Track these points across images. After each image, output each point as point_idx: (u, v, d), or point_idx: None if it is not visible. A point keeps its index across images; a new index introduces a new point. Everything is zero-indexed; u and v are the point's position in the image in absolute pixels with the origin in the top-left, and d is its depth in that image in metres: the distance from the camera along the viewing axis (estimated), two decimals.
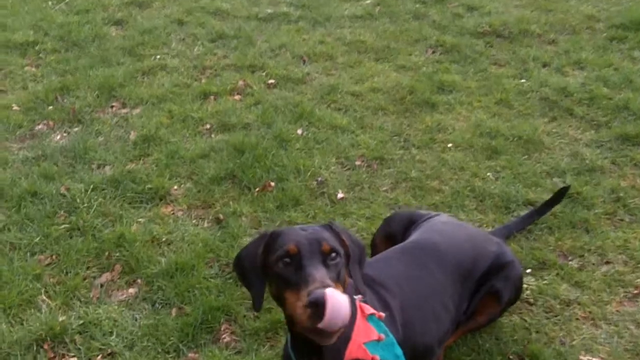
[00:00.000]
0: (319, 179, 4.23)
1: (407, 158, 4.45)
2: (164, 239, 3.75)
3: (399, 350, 2.28)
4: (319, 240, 2.13)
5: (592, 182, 4.10)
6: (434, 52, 6.06)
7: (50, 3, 7.58)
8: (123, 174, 4.30)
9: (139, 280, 3.46)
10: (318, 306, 1.90)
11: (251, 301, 2.32)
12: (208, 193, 4.13)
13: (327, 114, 4.99)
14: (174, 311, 3.26)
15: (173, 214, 3.98)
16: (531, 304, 3.23)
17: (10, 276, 3.45)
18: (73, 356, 3.02)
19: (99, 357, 3.01)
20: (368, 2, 7.26)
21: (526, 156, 4.42)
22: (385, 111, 5.07)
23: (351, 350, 2.18)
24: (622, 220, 3.80)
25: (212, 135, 4.81)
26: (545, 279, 3.37)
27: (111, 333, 3.13)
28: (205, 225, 3.89)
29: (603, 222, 3.77)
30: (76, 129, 4.97)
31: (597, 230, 3.70)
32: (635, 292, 3.28)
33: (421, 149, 4.57)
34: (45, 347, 3.05)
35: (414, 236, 2.96)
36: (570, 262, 3.49)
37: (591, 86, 5.20)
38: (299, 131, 4.77)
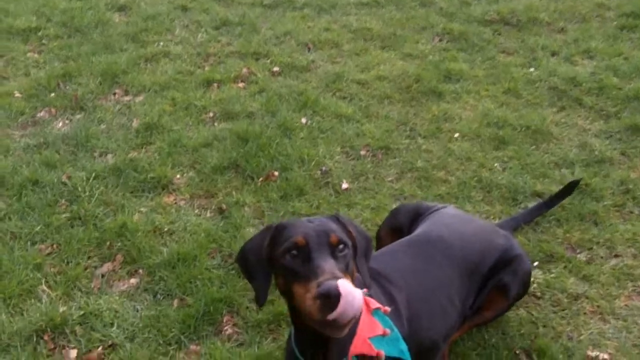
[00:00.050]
0: (323, 168, 4.19)
1: (413, 148, 4.41)
2: (166, 229, 3.71)
3: (403, 345, 2.25)
4: (326, 232, 2.09)
5: (601, 173, 4.06)
6: (440, 40, 6.00)
7: None
8: (125, 162, 4.27)
9: (140, 271, 3.43)
10: (329, 297, 1.85)
11: (254, 295, 2.27)
12: (211, 182, 4.10)
13: (332, 103, 4.95)
14: (175, 302, 3.23)
15: (175, 203, 3.95)
16: (538, 298, 3.20)
17: (10, 266, 3.42)
18: (73, 347, 2.99)
19: (100, 348, 2.98)
20: None
21: (534, 146, 4.38)
22: (391, 100, 5.02)
23: (356, 344, 2.15)
24: (631, 212, 3.75)
25: (215, 124, 4.77)
26: (552, 272, 3.33)
27: (112, 324, 3.10)
28: (208, 215, 3.85)
29: (612, 215, 3.73)
30: (78, 117, 4.93)
31: (605, 223, 3.66)
32: None
33: (427, 138, 4.52)
34: (46, 338, 3.03)
35: (421, 229, 2.91)
36: (578, 255, 3.45)
37: (601, 76, 5.15)
38: (304, 120, 4.73)
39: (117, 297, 3.25)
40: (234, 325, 3.09)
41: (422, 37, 6.07)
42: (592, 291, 3.21)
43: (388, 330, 2.21)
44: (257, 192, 3.98)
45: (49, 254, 3.55)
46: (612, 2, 6.52)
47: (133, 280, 3.38)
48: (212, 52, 5.90)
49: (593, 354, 2.88)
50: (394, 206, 3.73)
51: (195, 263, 3.43)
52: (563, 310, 3.12)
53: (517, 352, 2.90)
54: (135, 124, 4.77)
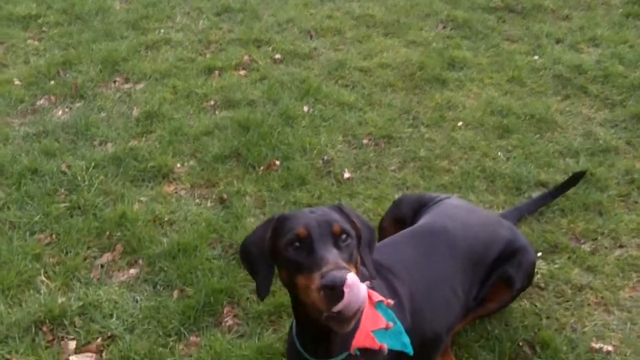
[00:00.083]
0: (325, 157, 4.15)
1: (416, 137, 4.37)
2: (166, 219, 3.69)
3: (406, 339, 2.22)
4: (329, 222, 2.05)
5: (606, 163, 4.03)
6: (444, 27, 5.95)
7: None
8: (125, 151, 4.24)
9: (140, 261, 3.41)
10: (334, 288, 1.82)
11: (256, 288, 2.24)
12: (212, 172, 4.07)
13: (335, 91, 4.91)
14: (175, 293, 3.21)
15: (176, 193, 3.92)
16: (542, 289, 3.17)
17: (9, 256, 3.40)
18: (72, 339, 2.96)
19: (99, 339, 2.96)
20: None
21: (538, 135, 4.34)
22: (394, 88, 4.98)
23: (358, 338, 2.12)
24: (636, 202, 3.72)
25: (217, 112, 4.74)
26: (556, 263, 3.30)
27: (111, 315, 3.08)
28: (209, 204, 3.82)
29: (617, 205, 3.70)
30: (78, 105, 4.90)
31: (610, 213, 3.62)
32: None
33: (430, 127, 4.48)
34: (44, 329, 3.01)
35: (424, 220, 2.88)
36: (582, 246, 3.42)
37: (606, 64, 5.10)
38: (305, 108, 4.69)
39: (117, 288, 3.23)
40: (235, 316, 3.07)
41: (426, 24, 6.01)
42: (596, 282, 3.18)
43: (391, 324, 2.18)
44: (259, 182, 3.95)
45: (48, 244, 3.52)
46: None
47: (133, 271, 3.35)
48: (214, 39, 5.86)
49: (597, 345, 2.85)
50: (396, 196, 3.71)
51: (195, 253, 3.40)
52: (567, 301, 3.09)
53: (521, 343, 2.87)
54: (135, 112, 4.74)
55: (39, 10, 6.46)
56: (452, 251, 2.71)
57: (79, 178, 3.99)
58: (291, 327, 2.36)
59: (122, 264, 3.40)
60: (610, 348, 2.84)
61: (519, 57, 5.32)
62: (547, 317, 3.00)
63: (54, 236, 3.57)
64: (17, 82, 5.21)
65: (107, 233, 3.57)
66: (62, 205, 3.79)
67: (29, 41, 5.95)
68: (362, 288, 1.88)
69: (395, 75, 5.13)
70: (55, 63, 5.44)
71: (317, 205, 3.62)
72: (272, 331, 2.97)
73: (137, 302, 3.16)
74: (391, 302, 2.22)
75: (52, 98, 4.98)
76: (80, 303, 3.12)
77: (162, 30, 6.04)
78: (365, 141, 4.34)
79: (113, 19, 6.29)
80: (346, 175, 4.00)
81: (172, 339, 2.95)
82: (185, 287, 3.22)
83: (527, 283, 2.92)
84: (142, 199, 3.86)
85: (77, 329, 3.01)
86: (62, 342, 2.95)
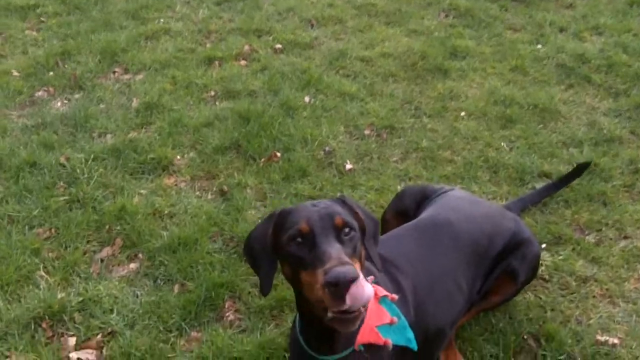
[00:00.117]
0: (327, 148, 4.12)
1: (418, 127, 4.34)
2: (166, 212, 3.66)
3: (410, 334, 2.20)
4: (331, 215, 2.02)
5: (610, 152, 4.01)
6: (447, 16, 5.92)
7: None
8: (125, 143, 4.21)
9: (140, 255, 3.38)
10: (338, 285, 1.78)
11: (259, 284, 2.21)
12: (212, 163, 4.03)
13: (336, 81, 4.88)
14: (176, 288, 3.18)
15: (176, 185, 3.89)
16: (546, 281, 3.14)
17: (7, 251, 3.37)
18: (72, 335, 2.93)
19: (99, 336, 2.93)
20: None
21: (542, 125, 4.32)
22: (395, 78, 4.95)
23: (363, 333, 2.09)
24: None
25: (217, 103, 4.71)
26: (560, 255, 3.28)
27: (111, 311, 3.05)
28: (209, 197, 3.79)
29: (621, 195, 3.68)
30: (77, 96, 4.87)
31: (615, 204, 3.60)
32: None
33: (433, 117, 4.45)
34: (44, 325, 2.98)
35: (427, 212, 2.85)
36: (587, 237, 3.39)
37: (610, 52, 5.09)
38: (307, 98, 4.66)
39: (117, 283, 3.20)
40: (236, 311, 3.04)
41: (428, 12, 5.99)
42: (601, 274, 3.16)
43: (395, 319, 2.16)
44: (259, 173, 3.92)
45: (47, 239, 3.49)
46: None
47: (133, 265, 3.32)
48: (214, 28, 5.82)
49: (602, 338, 2.83)
50: (398, 187, 3.70)
51: (196, 247, 3.37)
52: (572, 293, 3.07)
53: (525, 336, 2.85)
54: (135, 103, 4.70)
55: (37, 0, 6.43)
56: (455, 244, 2.68)
57: (78, 171, 3.95)
58: (294, 323, 2.34)
59: (122, 258, 3.37)
60: (615, 340, 2.82)
61: (521, 46, 5.29)
62: (552, 310, 2.98)
63: (53, 230, 3.54)
64: (15, 73, 5.17)
65: (107, 227, 3.54)
66: (61, 198, 3.75)
67: (27, 32, 5.92)
68: (367, 285, 1.86)
69: (397, 65, 5.10)
70: (54, 54, 5.40)
71: (319, 197, 3.63)
72: (274, 326, 2.94)
73: (137, 297, 3.13)
74: (395, 297, 2.19)
75: (51, 89, 4.95)
76: (80, 298, 3.09)
77: (162, 20, 6.01)
78: (367, 132, 4.31)
79: (112, 8, 6.26)
80: (348, 166, 3.97)
81: (173, 334, 2.93)
82: (186, 281, 3.19)
83: (532, 276, 2.89)
84: (141, 191, 3.82)
85: (77, 325, 2.98)
86: (62, 339, 2.92)
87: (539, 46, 5.29)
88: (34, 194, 3.78)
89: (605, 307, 2.99)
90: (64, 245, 3.44)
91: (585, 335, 2.84)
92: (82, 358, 2.82)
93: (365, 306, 1.87)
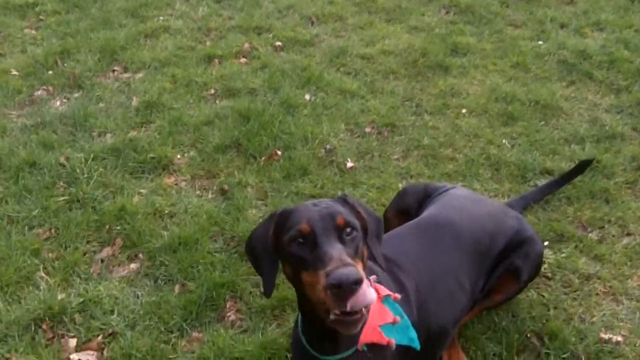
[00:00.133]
0: (328, 147, 4.10)
1: (419, 124, 4.32)
2: (166, 211, 3.64)
3: (413, 333, 2.19)
4: (332, 215, 2.00)
5: (612, 149, 3.99)
6: (447, 13, 5.90)
7: None
8: (124, 142, 4.19)
9: (140, 255, 3.36)
10: (340, 287, 1.77)
11: (262, 285, 2.20)
12: (212, 162, 4.02)
13: (336, 78, 4.86)
14: (177, 288, 3.16)
15: (176, 184, 3.88)
16: (549, 279, 3.13)
17: (7, 251, 3.35)
18: (73, 336, 2.92)
19: (100, 337, 2.91)
20: None
21: (543, 122, 4.30)
22: (396, 75, 4.93)
23: (366, 333, 2.09)
24: None
25: (217, 101, 4.69)
26: (563, 252, 3.26)
27: (112, 311, 3.03)
28: (210, 196, 3.77)
29: (624, 192, 3.66)
30: (76, 95, 4.85)
31: (617, 201, 3.59)
32: None
33: (434, 114, 4.43)
34: (44, 327, 2.96)
35: (429, 211, 2.84)
36: (589, 234, 3.38)
37: (611, 48, 5.07)
38: (307, 96, 4.65)
39: (117, 283, 3.18)
40: (237, 311, 3.02)
41: (428, 9, 5.97)
42: (604, 271, 3.14)
43: (398, 318, 2.15)
44: (260, 172, 3.90)
45: (46, 239, 3.47)
46: None
47: (133, 265, 3.30)
48: (213, 26, 5.80)
49: (606, 336, 2.82)
50: (400, 185, 3.69)
51: (196, 247, 3.35)
52: (575, 291, 3.06)
53: (529, 335, 2.84)
54: (134, 102, 4.68)
55: None
56: (457, 243, 2.66)
57: (78, 170, 3.94)
58: (296, 323, 2.32)
59: (122, 259, 3.35)
60: (619, 338, 2.81)
61: (523, 42, 5.28)
62: (555, 308, 2.96)
63: (52, 230, 3.52)
64: (14, 72, 5.16)
65: (107, 227, 3.52)
66: (61, 198, 3.73)
67: (26, 30, 5.90)
68: (370, 287, 1.85)
69: (397, 62, 5.08)
70: (53, 52, 5.38)
71: (320, 196, 3.61)
72: (275, 326, 2.92)
73: (138, 297, 3.12)
74: (398, 296, 2.18)
75: (50, 88, 4.93)
76: (81, 299, 3.07)
77: (162, 18, 5.99)
78: (368, 130, 4.29)
79: (111, 6, 6.24)
80: (349, 164, 3.95)
81: (174, 335, 2.91)
82: (187, 281, 3.18)
83: (535, 274, 2.88)
84: (141, 191, 3.81)
85: (77, 326, 2.96)
86: (63, 340, 2.90)
87: (540, 42, 5.27)
88: (33, 194, 3.76)
89: (609, 305, 2.98)
90: (64, 246, 3.42)
91: (589, 333, 2.82)
92: (83, 359, 2.81)
93: (367, 308, 1.86)
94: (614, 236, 3.36)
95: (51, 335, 2.93)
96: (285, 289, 3.00)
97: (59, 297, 3.08)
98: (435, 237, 2.66)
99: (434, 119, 4.37)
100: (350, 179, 3.83)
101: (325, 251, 1.89)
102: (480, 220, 2.77)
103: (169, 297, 3.08)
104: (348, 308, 1.79)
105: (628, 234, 3.37)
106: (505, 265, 2.75)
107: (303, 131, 4.21)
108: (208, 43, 5.53)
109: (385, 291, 2.17)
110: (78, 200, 3.72)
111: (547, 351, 2.76)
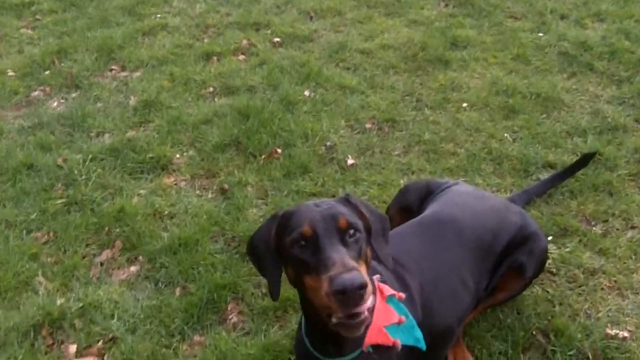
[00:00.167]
0: (328, 143, 4.07)
1: (420, 119, 4.28)
2: (166, 212, 3.61)
3: (419, 333, 2.18)
4: (334, 216, 1.97)
5: (614, 141, 3.95)
6: (446, 6, 5.86)
7: None
8: (123, 142, 4.16)
9: (140, 258, 3.34)
10: (344, 293, 1.75)
11: (268, 289, 2.17)
12: (212, 161, 3.99)
13: (336, 74, 4.83)
14: (177, 290, 3.13)
15: (175, 184, 3.85)
16: (554, 274, 3.10)
17: (5, 256, 3.33)
18: (73, 342, 2.89)
19: (100, 342, 2.89)
20: None
21: (545, 115, 4.26)
22: (396, 69, 4.90)
23: (371, 334, 2.07)
24: None
25: (216, 99, 4.66)
26: (567, 247, 3.23)
27: (112, 316, 3.00)
28: (210, 196, 3.74)
29: (627, 184, 3.63)
30: (74, 95, 4.83)
31: (621, 193, 3.55)
32: None
33: (435, 109, 4.40)
34: (43, 333, 2.94)
35: (432, 208, 2.81)
36: (593, 228, 3.34)
37: (612, 39, 5.02)
38: (307, 93, 4.62)
39: (117, 287, 3.16)
40: (239, 313, 2.99)
41: (428, 2, 5.93)
42: (608, 265, 3.11)
43: (403, 318, 2.13)
44: (260, 171, 3.87)
45: (45, 243, 3.45)
46: None
47: (133, 268, 3.28)
48: (211, 23, 5.78)
49: (612, 332, 2.78)
50: (401, 182, 3.66)
51: (197, 248, 3.33)
52: (579, 286, 3.02)
53: (534, 332, 2.81)
54: (132, 101, 4.66)
55: None
56: (461, 240, 2.63)
57: (76, 172, 3.91)
58: (299, 325, 2.30)
59: (122, 261, 3.32)
60: (625, 334, 2.77)
61: (523, 34, 5.24)
62: (560, 304, 2.93)
63: (51, 234, 3.50)
64: (10, 73, 5.14)
65: (106, 229, 3.50)
66: (59, 201, 3.71)
67: (22, 30, 5.90)
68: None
69: (397, 57, 5.04)
70: (50, 52, 5.37)
71: (321, 194, 3.59)
72: (278, 327, 2.90)
73: (138, 301, 3.09)
74: (403, 295, 2.16)
75: (47, 89, 4.91)
76: (80, 304, 3.05)
77: (159, 16, 5.98)
78: (368, 125, 4.25)
79: (108, 5, 6.22)
80: (350, 161, 3.92)
81: (175, 339, 2.88)
82: (188, 283, 3.15)
83: (539, 270, 2.85)
84: (141, 192, 3.78)
85: (77, 332, 2.94)
86: (62, 346, 2.88)
87: (541, 34, 5.23)
88: (31, 197, 3.74)
89: (614, 300, 2.94)
90: (62, 249, 3.40)
91: (595, 329, 2.79)
92: None
93: (370, 310, 1.83)
94: (618, 229, 3.32)
95: (51, 342, 2.90)
96: (287, 289, 2.93)
97: (59, 302, 3.06)
98: (437, 234, 2.63)
99: (435, 114, 4.34)
100: (351, 176, 3.80)
101: (328, 255, 1.86)
102: (482, 217, 2.74)
103: (169, 300, 3.05)
104: (354, 311, 1.78)
105: (632, 227, 3.34)
106: (509, 262, 2.72)
107: (303, 128, 4.18)
108: (206, 40, 5.51)
109: (389, 291, 2.15)
110: (76, 203, 3.70)
111: (553, 348, 2.73)
